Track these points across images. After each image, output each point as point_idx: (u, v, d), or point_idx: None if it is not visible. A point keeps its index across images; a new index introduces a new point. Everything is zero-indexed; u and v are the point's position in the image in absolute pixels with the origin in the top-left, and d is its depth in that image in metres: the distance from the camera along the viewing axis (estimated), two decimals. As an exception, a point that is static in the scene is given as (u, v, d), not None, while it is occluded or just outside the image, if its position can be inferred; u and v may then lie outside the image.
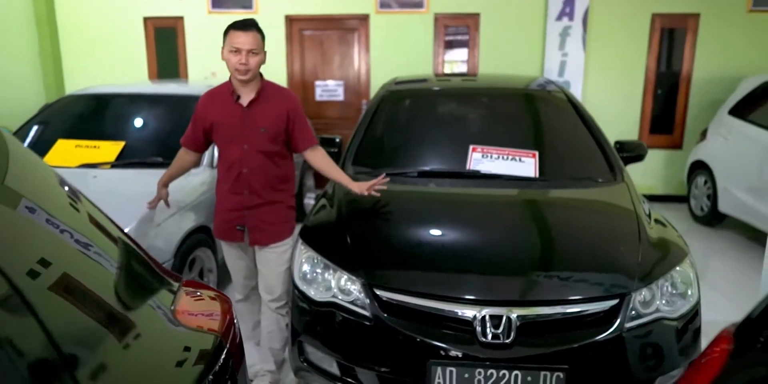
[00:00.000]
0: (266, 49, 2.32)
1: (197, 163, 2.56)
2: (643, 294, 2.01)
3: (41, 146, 3.39)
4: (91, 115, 3.75)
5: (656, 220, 2.47)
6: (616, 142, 3.17)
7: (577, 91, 5.84)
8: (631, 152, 3.09)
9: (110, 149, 3.27)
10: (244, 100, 2.31)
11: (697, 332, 2.11)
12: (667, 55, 6.00)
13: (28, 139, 3.54)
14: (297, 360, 2.22)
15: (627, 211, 2.44)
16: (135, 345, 0.83)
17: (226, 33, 2.25)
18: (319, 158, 2.41)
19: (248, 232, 2.39)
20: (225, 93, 2.34)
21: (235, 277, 2.59)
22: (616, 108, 5.96)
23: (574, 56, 5.79)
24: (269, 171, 2.35)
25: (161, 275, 1.01)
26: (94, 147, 3.27)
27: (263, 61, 2.30)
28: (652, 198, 5.96)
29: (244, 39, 2.20)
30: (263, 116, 2.31)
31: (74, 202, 1.00)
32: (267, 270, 2.43)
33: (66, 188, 1.01)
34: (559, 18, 5.74)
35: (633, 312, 1.96)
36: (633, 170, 3.29)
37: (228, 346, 1.05)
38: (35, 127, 3.60)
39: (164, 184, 2.54)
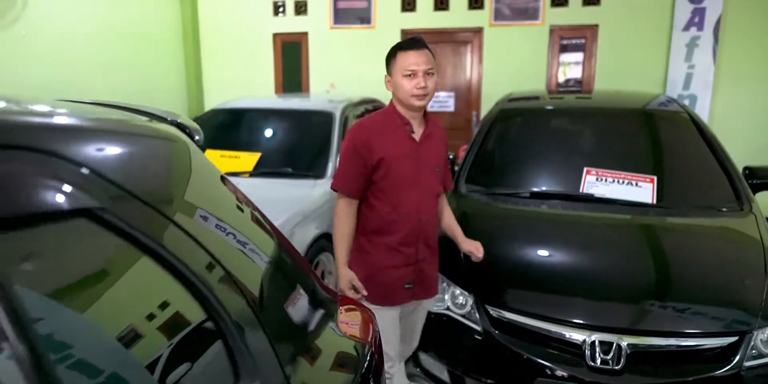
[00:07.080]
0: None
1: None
2: (766, 333, 1.95)
3: (192, 155, 3.90)
4: (231, 127, 4.23)
5: (787, 255, 2.35)
6: (745, 168, 3.01)
7: (704, 106, 5.51)
8: (764, 179, 2.91)
9: (248, 159, 3.68)
10: (417, 133, 1.97)
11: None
12: (813, 66, 5.48)
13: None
14: (410, 365, 2.41)
15: (753, 242, 2.35)
16: (319, 349, 1.05)
17: (392, 57, 1.89)
18: (444, 203, 2.21)
19: (412, 288, 2.06)
20: (393, 123, 1.94)
21: (393, 342, 2.09)
22: (751, 124, 5.54)
23: (702, 68, 5.47)
24: (437, 216, 2.11)
25: (329, 297, 1.24)
26: (235, 157, 3.71)
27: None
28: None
29: (417, 59, 1.84)
30: (435, 152, 2.00)
31: (240, 207, 1.07)
32: (419, 323, 2.22)
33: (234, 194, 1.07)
34: (686, 28, 5.46)
35: (754, 351, 1.92)
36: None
37: (373, 351, 1.25)
38: (186, 137, 4.14)
39: (345, 263, 2.01)
